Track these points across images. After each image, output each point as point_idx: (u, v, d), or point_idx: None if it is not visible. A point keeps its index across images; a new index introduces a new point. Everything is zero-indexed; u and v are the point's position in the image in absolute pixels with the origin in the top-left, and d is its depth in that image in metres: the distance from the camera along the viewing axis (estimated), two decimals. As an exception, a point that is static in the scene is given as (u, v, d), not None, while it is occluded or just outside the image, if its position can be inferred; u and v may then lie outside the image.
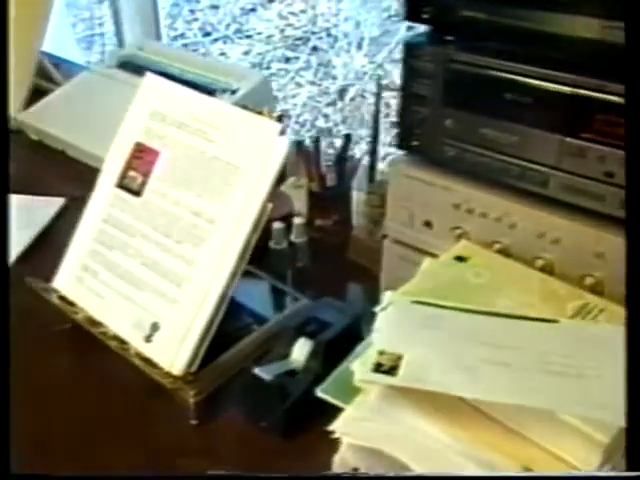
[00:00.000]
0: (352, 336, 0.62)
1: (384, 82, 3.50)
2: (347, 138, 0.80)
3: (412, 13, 0.53)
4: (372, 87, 3.07)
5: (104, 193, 0.67)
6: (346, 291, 0.79)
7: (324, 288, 0.72)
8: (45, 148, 1.07)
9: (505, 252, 0.54)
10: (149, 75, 0.68)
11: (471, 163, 0.54)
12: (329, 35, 3.43)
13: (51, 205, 0.91)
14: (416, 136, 0.56)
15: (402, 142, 0.58)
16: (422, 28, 0.58)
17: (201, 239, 0.59)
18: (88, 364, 0.68)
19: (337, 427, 0.47)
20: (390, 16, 3.40)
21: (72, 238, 0.77)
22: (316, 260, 0.78)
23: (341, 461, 0.50)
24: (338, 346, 0.59)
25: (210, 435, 0.59)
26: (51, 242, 0.86)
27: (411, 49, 0.54)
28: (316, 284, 0.75)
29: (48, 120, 1.08)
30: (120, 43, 1.68)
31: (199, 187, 0.61)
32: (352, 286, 0.79)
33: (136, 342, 0.59)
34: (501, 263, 0.53)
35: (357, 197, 0.80)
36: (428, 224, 0.59)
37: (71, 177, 1.00)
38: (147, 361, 0.58)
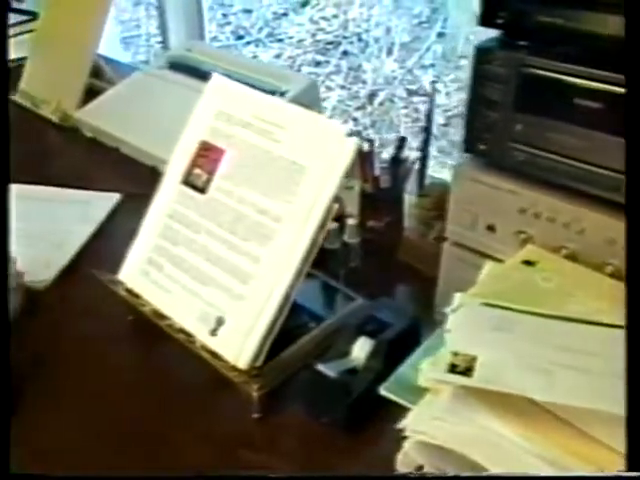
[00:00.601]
0: (410, 336, 0.62)
1: (413, 87, 3.46)
2: (402, 141, 0.79)
3: (487, 18, 0.52)
4: (401, 92, 3.06)
5: (169, 190, 0.67)
6: (397, 292, 0.78)
7: (375, 288, 0.72)
8: (99, 145, 1.08)
9: (572, 257, 0.53)
10: (215, 76, 0.69)
11: (540, 168, 0.53)
12: (360, 40, 3.43)
13: (108, 200, 0.91)
14: (483, 140, 0.55)
15: (468, 145, 0.57)
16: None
17: (267, 237, 0.59)
18: (152, 355, 0.68)
19: (407, 425, 0.47)
20: (420, 22, 3.38)
21: (134, 232, 0.78)
22: (367, 261, 0.78)
23: (405, 458, 0.50)
24: (397, 346, 0.59)
25: (272, 429, 0.59)
26: (109, 236, 0.86)
27: (482, 54, 0.53)
28: (367, 284, 0.75)
29: (103, 118, 1.09)
30: (164, 45, 1.69)
31: (264, 186, 0.61)
32: (403, 287, 0.78)
33: (201, 335, 0.60)
34: (570, 268, 0.52)
35: (410, 199, 0.79)
36: (491, 228, 0.58)
37: (125, 173, 1.01)
38: (213, 354, 0.58)
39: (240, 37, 3.65)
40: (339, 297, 0.71)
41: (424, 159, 0.81)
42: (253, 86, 1.06)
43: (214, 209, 0.64)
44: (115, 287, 0.67)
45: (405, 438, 0.49)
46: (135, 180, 0.99)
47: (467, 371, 0.43)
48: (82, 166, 1.06)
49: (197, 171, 0.66)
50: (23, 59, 1.25)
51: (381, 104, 3.04)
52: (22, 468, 0.53)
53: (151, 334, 0.67)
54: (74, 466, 0.55)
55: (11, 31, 1.35)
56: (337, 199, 0.57)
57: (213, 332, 0.59)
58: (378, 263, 0.78)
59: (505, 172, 0.56)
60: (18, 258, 0.72)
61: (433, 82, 0.83)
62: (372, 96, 3.08)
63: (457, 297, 0.49)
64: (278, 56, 3.52)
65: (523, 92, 0.52)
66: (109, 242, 0.85)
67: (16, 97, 1.21)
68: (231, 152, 0.64)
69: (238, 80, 1.08)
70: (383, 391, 0.53)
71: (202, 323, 0.60)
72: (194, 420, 0.60)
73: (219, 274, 0.61)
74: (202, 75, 1.12)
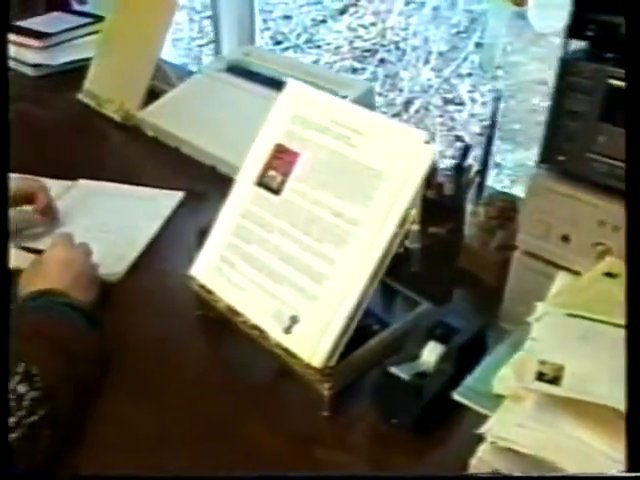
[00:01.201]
0: (478, 343, 0.61)
1: (449, 96, 3.43)
2: (466, 148, 0.79)
3: (576, 30, 0.51)
4: (437, 100, 3.04)
5: (243, 190, 0.68)
6: (457, 298, 0.77)
7: (435, 294, 0.71)
8: (160, 145, 1.09)
9: (652, 270, 0.52)
10: (291, 81, 0.69)
11: (621, 180, 0.52)
12: (397, 48, 3.42)
13: (172, 198, 0.92)
14: (562, 151, 0.55)
15: (546, 156, 0.57)
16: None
17: (342, 240, 0.59)
18: (220, 350, 0.69)
19: (489, 431, 0.46)
20: (459, 32, 3.36)
21: (198, 229, 0.79)
22: (428, 266, 0.77)
23: (480, 462, 0.49)
24: (467, 351, 0.59)
25: (341, 427, 0.59)
26: (175, 232, 0.87)
27: (568, 65, 0.53)
28: (427, 289, 0.74)
29: (164, 118, 1.10)
30: (217, 49, 1.71)
31: (340, 189, 0.61)
32: (463, 293, 0.78)
33: (275, 333, 0.60)
34: (651, 281, 0.51)
35: (473, 207, 0.79)
36: (565, 238, 0.57)
37: (185, 172, 1.02)
38: (286, 351, 0.59)
39: (279, 42, 3.67)
40: (401, 300, 0.71)
41: (484, 168, 0.81)
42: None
43: (288, 210, 0.64)
44: (188, 283, 0.67)
45: (480, 442, 0.49)
46: (195, 179, 1.00)
47: (555, 380, 0.43)
48: (144, 164, 1.08)
49: (271, 173, 0.66)
50: (88, 59, 1.28)
51: (417, 112, 3.03)
52: (98, 461, 0.55)
53: (218, 329, 0.68)
54: (150, 459, 0.56)
55: (75, 33, 1.39)
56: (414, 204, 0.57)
57: (287, 330, 0.59)
58: (438, 269, 0.77)
59: (583, 183, 0.55)
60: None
61: (496, 94, 0.81)
62: (408, 104, 3.07)
63: (540, 306, 0.49)
64: (316, 62, 3.53)
65: (608, 104, 0.51)
66: (175, 238, 0.86)
67: (80, 96, 1.23)
68: (306, 155, 0.65)
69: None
70: (457, 396, 0.53)
71: (276, 321, 0.60)
72: (265, 414, 0.60)
73: (293, 274, 0.61)
74: (260, 79, 1.13)
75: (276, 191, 0.65)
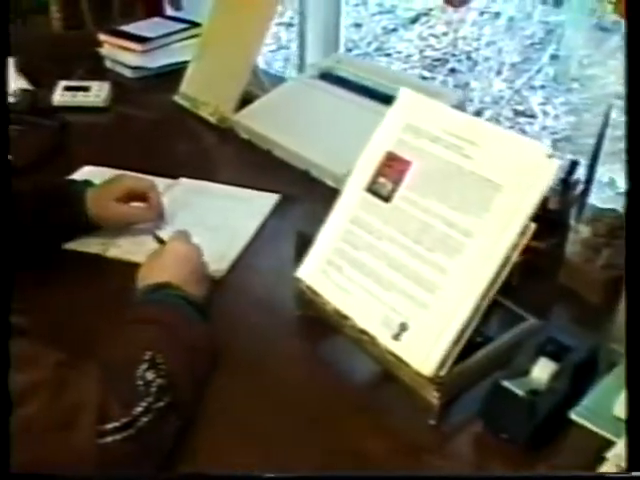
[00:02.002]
0: (591, 362, 0.60)
1: (520, 108, 3.35)
2: (573, 164, 0.76)
3: None
4: (508, 112, 2.97)
5: (352, 196, 0.68)
6: (556, 315, 0.75)
7: (534, 309, 0.70)
8: (253, 147, 1.11)
9: None
10: (404, 90, 0.69)
11: None
12: (469, 58, 3.37)
13: (269, 199, 0.94)
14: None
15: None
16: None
17: (455, 250, 0.59)
18: (321, 350, 0.69)
19: (616, 455, 0.45)
20: (533, 44, 3.28)
21: (295, 232, 0.80)
22: (527, 281, 0.75)
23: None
24: (581, 371, 0.57)
25: (446, 436, 0.58)
26: (272, 233, 0.89)
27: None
28: (526, 304, 0.72)
29: (258, 121, 1.12)
30: (301, 57, 1.73)
31: (453, 199, 0.61)
32: (562, 310, 0.75)
33: (384, 339, 0.60)
34: None
35: (574, 223, 0.76)
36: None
37: (278, 175, 1.04)
38: (396, 358, 0.58)
39: (349, 50, 3.69)
40: (502, 313, 0.69)
41: (588, 183, 0.78)
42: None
43: (398, 218, 0.64)
44: (296, 284, 0.68)
45: (599, 462, 0.47)
46: (288, 182, 1.01)
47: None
48: (238, 166, 1.10)
49: (382, 180, 0.66)
50: (182, 63, 1.32)
51: (487, 122, 2.97)
52: (205, 454, 0.56)
53: (319, 330, 0.69)
54: (257, 452, 0.57)
55: (173, 38, 1.43)
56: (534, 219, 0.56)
57: (396, 337, 0.59)
58: (538, 284, 0.76)
59: None
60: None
61: (608, 108, 0.78)
62: (478, 114, 3.02)
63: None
64: (385, 70, 3.51)
65: None
66: (272, 239, 0.88)
67: (176, 98, 1.27)
68: (418, 164, 0.64)
69: (384, 92, 1.10)
70: (574, 416, 0.51)
71: (385, 327, 0.60)
72: (369, 417, 0.60)
73: (402, 281, 0.61)
74: (351, 86, 1.14)
75: (386, 198, 0.65)
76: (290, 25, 3.49)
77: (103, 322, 0.69)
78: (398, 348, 0.59)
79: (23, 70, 1.31)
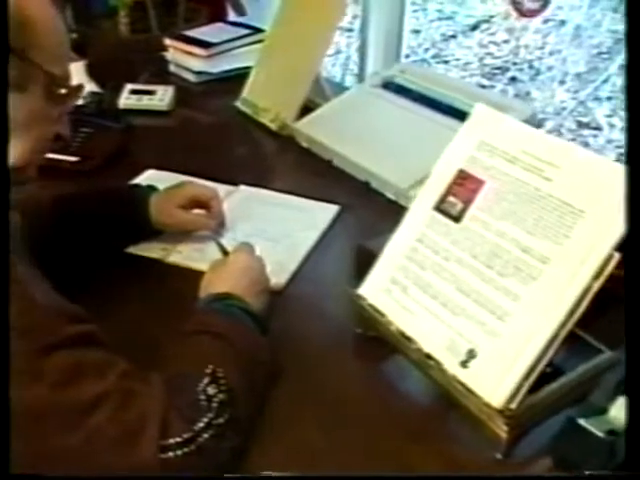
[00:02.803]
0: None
1: (584, 120, 3.23)
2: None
3: None
4: (570, 123, 2.88)
5: (420, 213, 0.66)
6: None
7: (613, 342, 0.66)
8: (313, 156, 1.10)
9: None
10: (479, 105, 0.67)
11: None
12: (531, 67, 3.28)
13: (328, 210, 0.93)
14: None
15: None
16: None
17: (530, 276, 0.56)
18: (380, 371, 0.68)
19: None
20: (600, 53, 3.17)
21: (354, 245, 0.78)
22: (605, 311, 0.72)
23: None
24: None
25: (514, 471, 0.55)
26: (331, 245, 0.87)
27: None
28: (604, 337, 0.69)
29: (319, 130, 1.12)
30: (362, 63, 1.72)
31: (529, 223, 0.58)
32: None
33: (450, 365, 0.58)
34: None
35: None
36: None
37: (338, 186, 1.02)
38: (463, 386, 0.56)
39: (406, 56, 3.65)
40: (576, 345, 0.66)
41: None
42: (467, 112, 1.05)
43: (468, 239, 0.61)
44: (359, 301, 0.67)
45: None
46: (348, 193, 1.00)
47: None
48: (297, 174, 1.09)
49: (452, 199, 0.64)
50: (244, 68, 1.33)
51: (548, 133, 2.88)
52: (255, 466, 0.55)
53: (379, 350, 0.67)
54: (306, 468, 0.55)
55: (236, 43, 1.44)
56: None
57: (464, 364, 0.57)
58: (617, 315, 0.72)
59: None
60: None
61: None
62: (538, 126, 2.93)
63: None
64: (443, 77, 3.47)
65: None
66: (332, 251, 0.86)
67: (238, 104, 1.28)
68: (491, 184, 0.62)
69: (448, 103, 1.07)
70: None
71: (451, 352, 0.58)
72: (431, 445, 0.58)
73: (471, 305, 0.59)
74: (415, 96, 1.12)
75: (456, 218, 0.63)
76: (349, 30, 3.48)
77: (163, 330, 0.69)
78: (465, 376, 0.56)
79: (92, 73, 1.35)
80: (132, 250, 0.83)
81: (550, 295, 0.54)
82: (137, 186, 0.86)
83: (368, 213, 0.97)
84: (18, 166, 0.55)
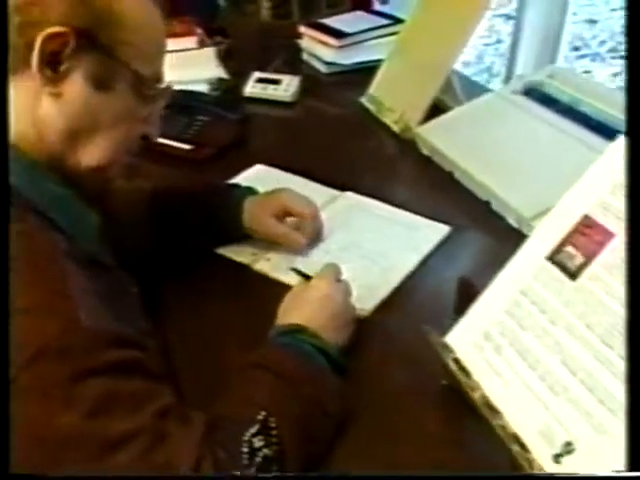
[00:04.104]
0: None
1: None
2: None
3: None
4: None
5: (530, 260, 0.56)
6: None
7: None
8: (434, 165, 1.01)
9: None
10: (620, 139, 0.55)
11: None
12: None
13: (437, 231, 0.84)
14: None
15: None
16: None
17: (658, 367, 0.45)
18: (463, 431, 0.60)
19: None
20: None
21: (458, 276, 0.69)
22: None
23: None
24: None
25: None
26: (433, 272, 0.79)
27: None
28: None
29: (442, 137, 1.02)
30: (512, 58, 1.57)
31: (667, 297, 0.46)
32: None
33: (539, 454, 0.48)
34: None
35: None
36: None
37: (454, 203, 0.93)
38: (549, 484, 0.47)
39: (576, 49, 3.32)
40: None
41: None
42: (619, 130, 0.89)
43: (584, 303, 0.51)
44: (443, 352, 0.59)
45: None
46: (465, 212, 0.91)
47: None
48: (412, 185, 1.01)
49: (570, 250, 0.54)
50: (377, 62, 1.26)
51: None
52: None
53: (464, 407, 0.59)
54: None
55: (371, 34, 1.38)
56: None
57: (556, 458, 0.47)
58: None
59: None
60: (344, 273, 0.70)
61: None
62: None
63: None
64: (615, 75, 3.12)
65: None
66: (432, 280, 0.78)
67: (363, 99, 1.22)
68: (623, 239, 0.51)
69: (604, 123, 0.92)
70: None
71: (543, 440, 0.48)
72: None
73: (576, 387, 0.49)
74: (562, 109, 0.97)
75: (572, 274, 0.52)
76: (510, 18, 3.24)
77: (233, 340, 0.67)
78: (557, 472, 0.47)
79: (225, 58, 1.36)
80: (222, 251, 0.81)
81: (681, 397, 0.43)
82: (236, 186, 0.83)
83: (484, 239, 0.87)
84: (99, 166, 0.55)
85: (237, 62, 1.40)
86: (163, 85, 0.57)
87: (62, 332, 0.42)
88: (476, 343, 0.57)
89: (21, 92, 0.50)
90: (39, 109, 0.50)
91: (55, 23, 0.48)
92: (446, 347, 0.59)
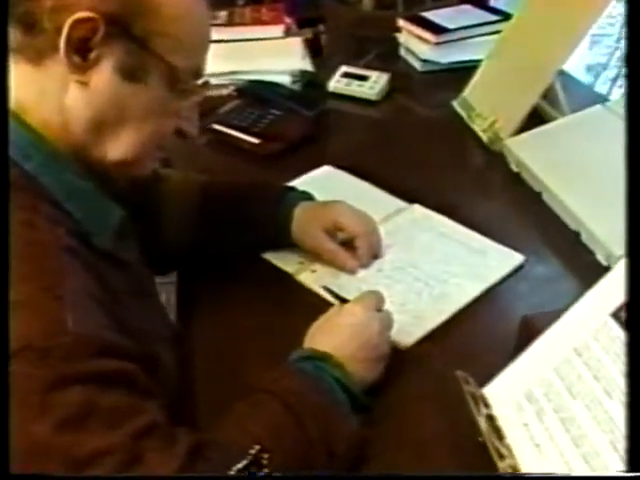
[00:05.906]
0: None
1: None
2: None
3: None
4: None
5: (591, 314, 0.49)
6: None
7: None
8: (521, 184, 0.93)
9: None
10: None
11: None
12: None
13: (507, 260, 0.77)
14: None
15: None
16: None
17: None
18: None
19: None
20: None
21: (523, 317, 0.63)
22: None
23: None
24: None
25: None
26: (496, 307, 0.73)
27: None
28: None
29: (533, 153, 0.94)
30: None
31: None
32: None
33: None
34: None
35: None
36: None
37: (538, 228, 0.85)
38: None
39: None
40: None
41: None
42: None
43: (649, 375, 0.44)
44: (475, 405, 0.53)
45: None
46: (549, 241, 0.83)
47: None
48: (494, 204, 0.92)
49: None
50: (476, 62, 1.18)
51: None
52: None
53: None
54: None
55: (474, 31, 1.30)
56: None
57: None
58: None
59: None
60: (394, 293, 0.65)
61: None
62: None
63: None
64: None
65: None
66: (492, 315, 0.72)
67: (455, 103, 1.15)
68: None
69: None
70: None
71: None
72: None
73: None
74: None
75: None
76: None
77: (252, 363, 0.65)
78: None
79: (315, 49, 1.34)
80: (267, 256, 0.79)
81: None
82: (291, 190, 0.81)
83: (565, 274, 0.79)
84: (126, 160, 0.54)
85: (327, 54, 1.38)
86: (201, 81, 0.56)
87: (45, 333, 0.42)
88: (517, 401, 0.51)
89: (49, 78, 0.50)
90: (65, 97, 0.51)
91: (86, 8, 0.48)
92: (483, 400, 0.53)
